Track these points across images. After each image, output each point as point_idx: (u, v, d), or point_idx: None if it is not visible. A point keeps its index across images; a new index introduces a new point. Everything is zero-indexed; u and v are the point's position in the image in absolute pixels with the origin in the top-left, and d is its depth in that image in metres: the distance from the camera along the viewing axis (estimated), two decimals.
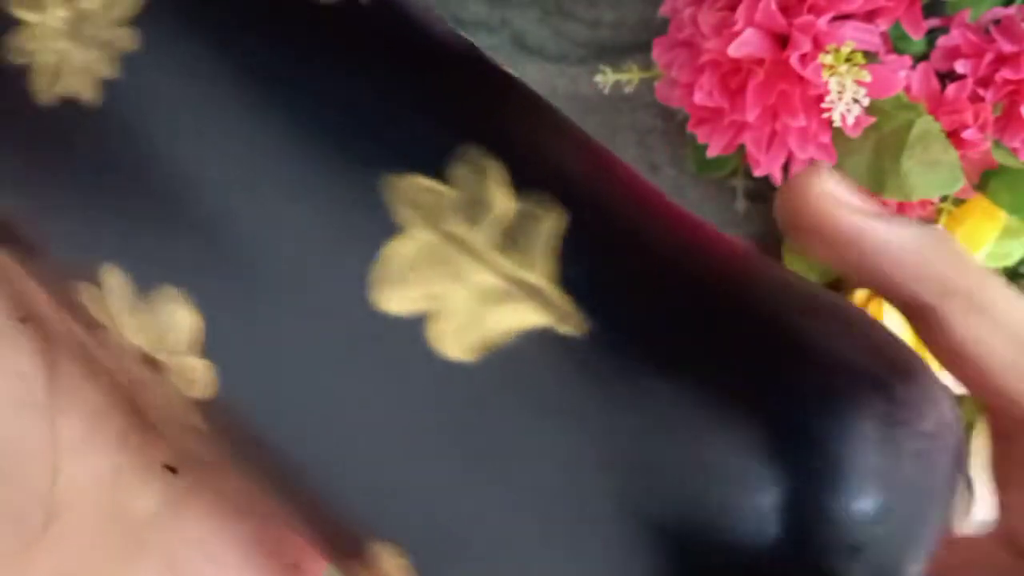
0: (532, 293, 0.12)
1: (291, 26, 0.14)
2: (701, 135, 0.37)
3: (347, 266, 0.12)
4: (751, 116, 0.33)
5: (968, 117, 0.33)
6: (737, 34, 0.32)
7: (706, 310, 0.12)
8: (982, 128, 0.33)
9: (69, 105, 0.13)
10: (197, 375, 0.13)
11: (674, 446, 0.12)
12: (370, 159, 0.13)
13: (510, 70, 0.15)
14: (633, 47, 0.49)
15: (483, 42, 0.48)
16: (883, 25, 0.33)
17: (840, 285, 0.45)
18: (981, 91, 0.33)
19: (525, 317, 0.12)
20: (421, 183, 0.12)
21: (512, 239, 0.12)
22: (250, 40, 0.13)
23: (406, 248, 0.12)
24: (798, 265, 0.44)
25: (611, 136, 0.48)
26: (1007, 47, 0.33)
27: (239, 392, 0.13)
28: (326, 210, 0.12)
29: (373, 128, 0.13)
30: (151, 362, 0.14)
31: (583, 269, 0.12)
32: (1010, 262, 0.40)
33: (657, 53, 0.38)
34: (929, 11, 0.34)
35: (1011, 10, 0.34)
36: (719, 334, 0.12)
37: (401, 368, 0.12)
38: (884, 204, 0.39)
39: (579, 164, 0.14)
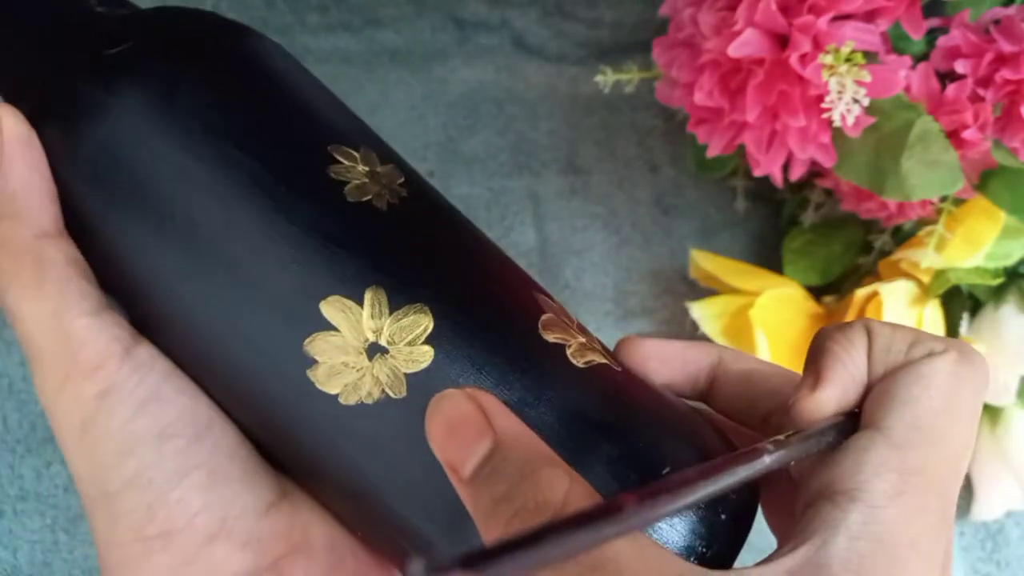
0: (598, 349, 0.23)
1: None
2: (701, 135, 0.37)
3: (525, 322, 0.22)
4: (751, 116, 0.33)
5: (968, 117, 0.33)
6: (737, 34, 0.32)
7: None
8: (982, 128, 0.33)
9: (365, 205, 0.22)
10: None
11: None
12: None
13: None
14: (633, 47, 0.49)
15: (483, 42, 0.48)
16: (883, 25, 0.33)
17: (844, 283, 0.45)
18: (981, 91, 0.33)
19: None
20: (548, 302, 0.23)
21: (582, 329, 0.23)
22: None
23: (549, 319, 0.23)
24: (798, 266, 0.45)
25: (611, 136, 0.48)
26: (1007, 47, 0.33)
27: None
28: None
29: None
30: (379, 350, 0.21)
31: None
32: (1010, 262, 0.40)
33: (657, 53, 0.38)
34: (929, 11, 0.34)
35: (1011, 10, 0.34)
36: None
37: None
38: (884, 204, 0.39)
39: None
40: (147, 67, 0.21)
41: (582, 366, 0.21)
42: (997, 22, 0.34)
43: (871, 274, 0.44)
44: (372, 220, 0.21)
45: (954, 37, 0.34)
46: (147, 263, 0.21)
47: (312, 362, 0.20)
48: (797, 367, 0.44)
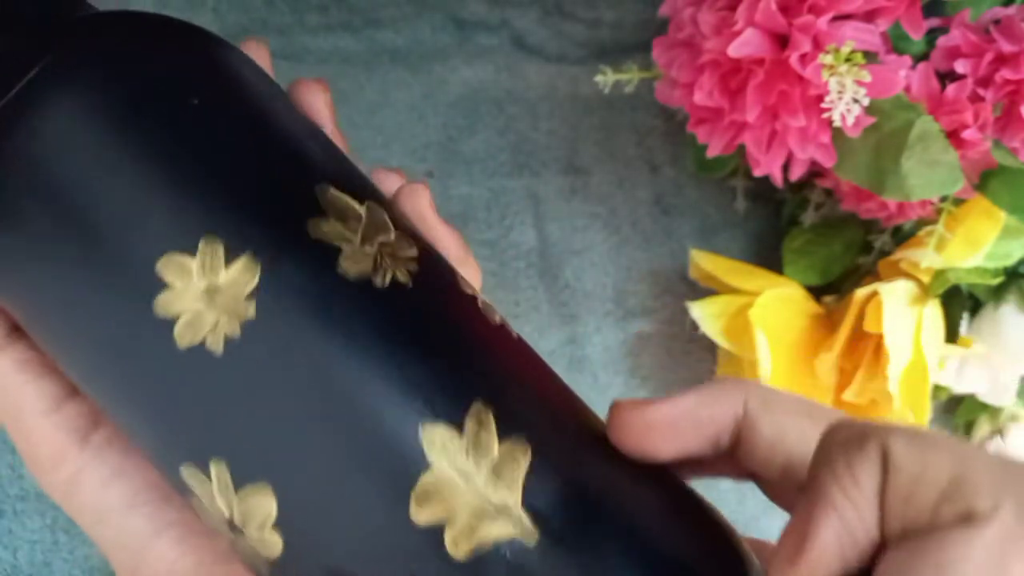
0: (508, 514, 0.18)
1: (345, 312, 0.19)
2: (701, 135, 0.37)
3: (393, 489, 0.18)
4: (751, 116, 0.33)
5: (968, 117, 0.33)
6: (737, 34, 0.32)
7: (629, 528, 0.19)
8: (982, 128, 0.33)
9: (199, 352, 0.18)
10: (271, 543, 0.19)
11: None
12: (412, 411, 0.18)
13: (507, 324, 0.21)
14: (633, 47, 0.49)
15: (483, 42, 0.48)
16: (883, 25, 0.33)
17: (844, 283, 0.45)
18: (981, 91, 0.33)
19: (503, 531, 0.17)
20: (444, 432, 0.18)
21: (498, 474, 0.18)
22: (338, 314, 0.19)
23: (431, 479, 0.18)
24: (798, 266, 0.45)
25: (611, 136, 0.48)
26: (1007, 47, 0.33)
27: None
28: (378, 447, 0.18)
29: (413, 385, 0.18)
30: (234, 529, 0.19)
31: (540, 497, 0.18)
32: (1010, 262, 0.40)
33: (657, 53, 0.38)
34: (929, 11, 0.34)
35: (1011, 10, 0.34)
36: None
37: (424, 566, 0.17)
38: (884, 204, 0.39)
39: (546, 405, 0.20)
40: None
41: (462, 559, 0.17)
42: (997, 22, 0.34)
43: (871, 274, 0.44)
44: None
45: (954, 37, 0.34)
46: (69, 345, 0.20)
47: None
48: (797, 367, 0.44)
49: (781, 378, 0.41)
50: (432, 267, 0.21)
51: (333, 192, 0.20)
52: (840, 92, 0.32)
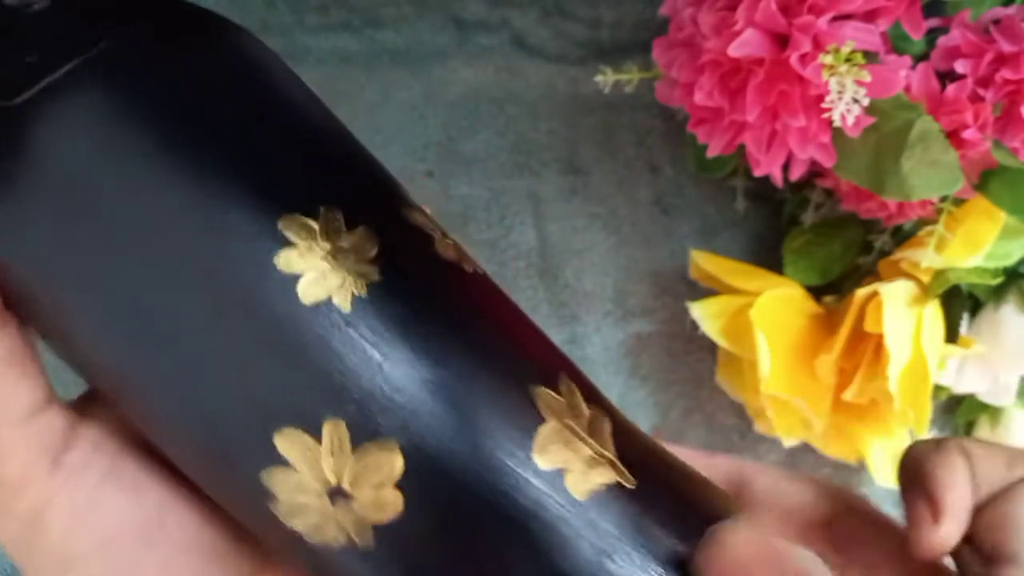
0: (610, 463, 0.20)
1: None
2: (701, 135, 0.37)
3: (515, 441, 0.19)
4: (751, 116, 0.33)
5: (968, 117, 0.33)
6: (737, 34, 0.32)
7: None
8: (982, 128, 0.33)
9: (325, 307, 0.18)
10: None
11: None
12: (525, 376, 0.20)
13: None
14: (633, 47, 0.49)
15: (483, 42, 0.48)
16: (883, 25, 0.33)
17: (844, 283, 0.45)
18: (981, 91, 0.33)
19: (608, 477, 0.19)
20: (550, 394, 0.20)
21: (593, 430, 0.20)
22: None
23: (548, 431, 0.19)
24: (798, 266, 0.45)
25: (611, 136, 0.48)
26: (1007, 47, 0.33)
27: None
28: (499, 406, 0.19)
29: (527, 351, 0.21)
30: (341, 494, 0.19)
31: (628, 450, 0.20)
32: (1010, 262, 0.40)
33: (657, 53, 0.38)
34: (929, 11, 0.34)
35: (1011, 10, 0.34)
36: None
37: (550, 507, 0.19)
38: (884, 204, 0.39)
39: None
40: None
41: (582, 499, 0.19)
42: (997, 22, 0.34)
43: (871, 274, 0.44)
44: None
45: (954, 37, 0.34)
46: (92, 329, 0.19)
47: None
48: (797, 367, 0.43)
49: (781, 378, 0.41)
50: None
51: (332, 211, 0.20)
52: (840, 92, 0.32)
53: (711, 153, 0.37)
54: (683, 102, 0.37)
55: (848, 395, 0.41)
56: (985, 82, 0.33)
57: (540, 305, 0.47)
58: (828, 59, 0.32)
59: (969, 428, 0.46)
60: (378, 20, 0.48)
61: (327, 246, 0.19)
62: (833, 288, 0.45)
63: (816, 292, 0.44)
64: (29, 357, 0.19)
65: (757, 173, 0.36)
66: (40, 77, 0.18)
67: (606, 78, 0.39)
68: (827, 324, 0.43)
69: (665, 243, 0.48)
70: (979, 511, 0.21)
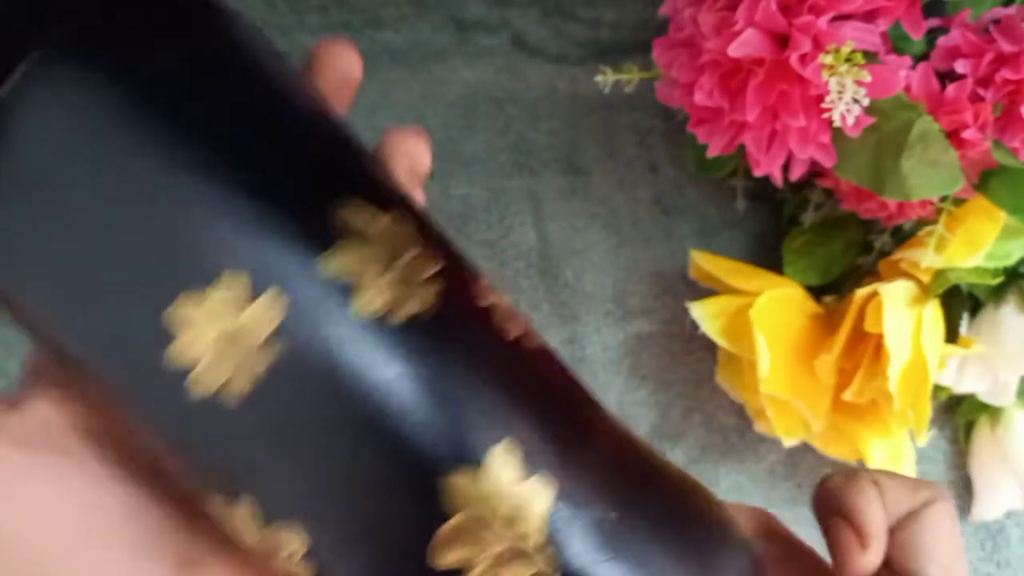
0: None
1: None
2: (701, 135, 0.37)
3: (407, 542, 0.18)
4: (751, 116, 0.33)
5: (968, 117, 0.33)
6: (737, 34, 0.32)
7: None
8: (982, 128, 0.33)
9: (215, 401, 0.17)
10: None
11: None
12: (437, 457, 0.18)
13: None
14: (633, 47, 0.49)
15: (483, 42, 0.48)
16: (883, 25, 0.33)
17: (844, 283, 0.45)
18: (981, 91, 0.33)
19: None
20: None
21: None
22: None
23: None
24: (798, 266, 0.44)
25: (611, 136, 0.48)
26: (1007, 47, 0.33)
27: None
28: (397, 493, 0.18)
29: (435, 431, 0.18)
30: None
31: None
32: (1010, 262, 0.40)
33: (657, 53, 0.37)
34: (929, 11, 0.34)
35: (1011, 10, 0.34)
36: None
37: None
38: (884, 204, 0.39)
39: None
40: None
41: None
42: (997, 22, 0.34)
43: (871, 274, 0.44)
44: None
45: (954, 37, 0.34)
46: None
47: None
48: (796, 367, 0.43)
49: (781, 378, 0.41)
50: (455, 282, 0.20)
51: (356, 203, 0.18)
52: (840, 92, 0.32)
53: (711, 153, 0.37)
54: (683, 102, 0.37)
55: (848, 395, 0.41)
56: (985, 82, 0.33)
57: (540, 305, 0.47)
58: (828, 59, 0.32)
59: (969, 428, 0.46)
60: (378, 20, 0.48)
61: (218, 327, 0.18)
62: (833, 288, 0.45)
63: (816, 292, 0.44)
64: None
65: (757, 173, 0.36)
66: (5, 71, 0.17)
67: (606, 78, 0.39)
68: (827, 324, 0.43)
69: (665, 243, 0.48)
70: (890, 535, 0.23)
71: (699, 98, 0.35)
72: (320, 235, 0.18)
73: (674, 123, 0.48)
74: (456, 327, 0.19)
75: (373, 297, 0.18)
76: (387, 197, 0.19)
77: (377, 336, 0.18)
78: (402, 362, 0.18)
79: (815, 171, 0.40)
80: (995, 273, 0.40)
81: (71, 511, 0.19)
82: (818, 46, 0.32)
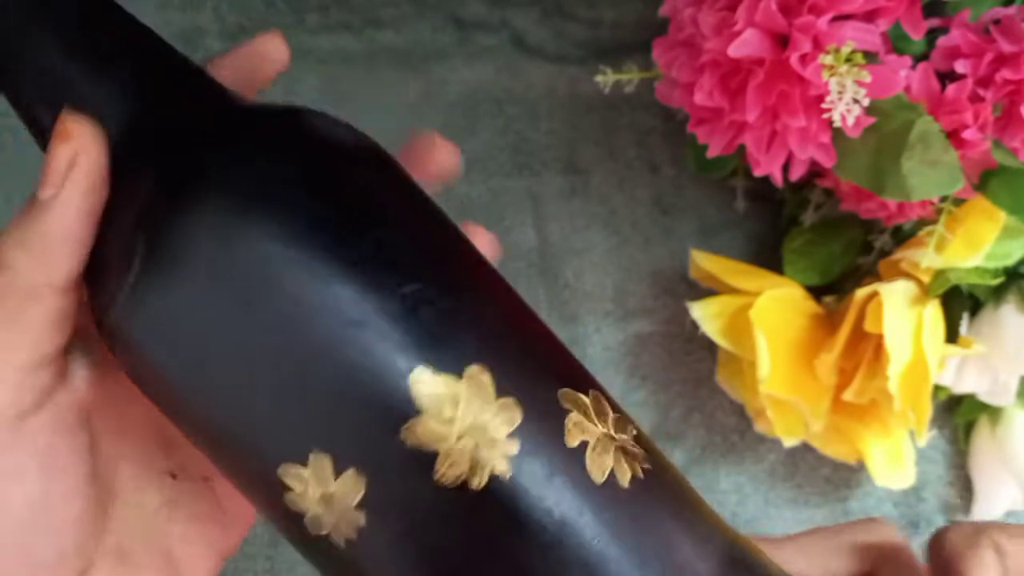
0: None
1: None
2: (701, 135, 0.37)
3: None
4: (751, 116, 0.33)
5: (968, 117, 0.33)
6: (737, 34, 0.32)
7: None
8: (982, 128, 0.33)
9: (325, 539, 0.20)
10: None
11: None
12: None
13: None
14: (633, 47, 0.49)
15: (483, 42, 0.48)
16: (883, 25, 0.33)
17: (844, 283, 0.45)
18: (981, 91, 0.33)
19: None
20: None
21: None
22: None
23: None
24: (798, 266, 0.44)
25: (611, 136, 0.48)
26: (1007, 47, 0.33)
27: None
28: None
29: None
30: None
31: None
32: (1010, 262, 0.40)
33: (657, 53, 0.38)
34: (929, 11, 0.34)
35: (1011, 10, 0.34)
36: None
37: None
38: (884, 204, 0.39)
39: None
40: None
41: None
42: (997, 22, 0.34)
43: (871, 274, 0.44)
44: None
45: (954, 37, 0.34)
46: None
47: None
48: (796, 367, 0.43)
49: (781, 378, 0.41)
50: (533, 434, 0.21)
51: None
52: (840, 92, 0.32)
53: (711, 153, 0.37)
54: (683, 102, 0.37)
55: (848, 395, 0.41)
56: (985, 82, 0.33)
57: (540, 305, 0.47)
58: (828, 59, 0.32)
59: (969, 428, 0.46)
60: (378, 20, 0.48)
61: (318, 492, 0.20)
62: (833, 288, 0.45)
63: (816, 292, 0.44)
64: (65, 325, 0.20)
65: (757, 173, 0.36)
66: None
67: (606, 78, 0.39)
68: (827, 324, 0.43)
69: (665, 243, 0.48)
70: None
71: (699, 98, 0.35)
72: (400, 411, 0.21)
73: (674, 123, 0.48)
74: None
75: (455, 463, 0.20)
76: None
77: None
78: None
79: (815, 171, 0.40)
80: (995, 273, 0.40)
81: (32, 473, 0.21)
82: (818, 46, 0.32)
